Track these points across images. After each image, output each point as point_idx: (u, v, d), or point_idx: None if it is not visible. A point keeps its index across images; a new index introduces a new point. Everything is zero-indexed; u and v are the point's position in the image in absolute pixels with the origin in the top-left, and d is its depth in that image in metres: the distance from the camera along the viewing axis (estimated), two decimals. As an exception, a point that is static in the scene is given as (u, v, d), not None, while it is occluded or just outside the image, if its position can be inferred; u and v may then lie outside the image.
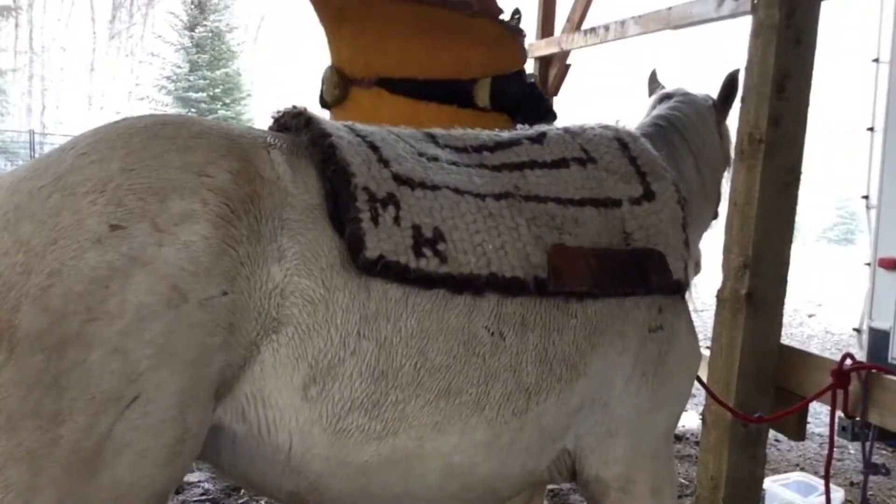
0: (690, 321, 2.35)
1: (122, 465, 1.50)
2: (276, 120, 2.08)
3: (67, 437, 1.45)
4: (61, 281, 1.46)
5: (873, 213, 6.54)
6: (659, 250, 2.21)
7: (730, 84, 3.02)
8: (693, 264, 2.69)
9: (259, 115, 30.39)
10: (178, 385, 1.54)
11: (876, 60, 6.69)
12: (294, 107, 2.06)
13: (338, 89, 3.60)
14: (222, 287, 1.58)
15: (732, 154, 3.19)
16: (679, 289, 2.25)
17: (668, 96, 3.00)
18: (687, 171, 2.69)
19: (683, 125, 2.81)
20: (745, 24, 3.72)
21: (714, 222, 3.24)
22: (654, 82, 3.31)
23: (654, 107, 2.97)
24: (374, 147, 1.95)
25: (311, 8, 3.71)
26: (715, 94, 3.19)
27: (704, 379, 3.22)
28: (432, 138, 2.17)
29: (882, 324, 6.17)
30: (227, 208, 1.62)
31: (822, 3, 3.55)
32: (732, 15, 4.71)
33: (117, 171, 1.57)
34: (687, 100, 2.96)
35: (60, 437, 1.44)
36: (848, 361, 3.12)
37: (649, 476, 2.23)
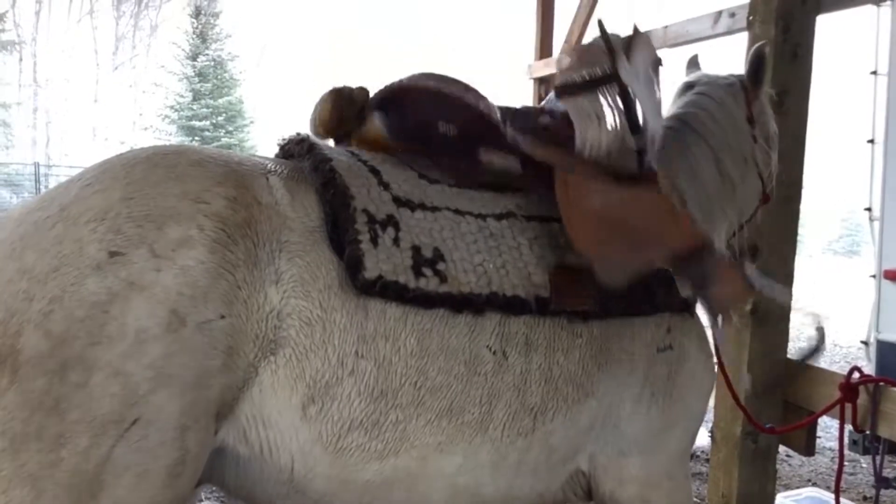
0: (702, 339, 2.33)
1: (122, 487, 1.52)
2: (282, 147, 2.13)
3: (69, 460, 1.47)
4: (62, 306, 1.49)
5: (877, 224, 6.53)
6: (665, 268, 2.20)
7: (757, 61, 2.78)
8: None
9: (262, 141, 30.53)
10: (178, 407, 1.56)
11: (874, 73, 6.70)
12: (297, 134, 2.10)
13: None
14: (220, 311, 1.61)
15: (775, 131, 2.96)
16: (686, 307, 2.24)
17: (689, 86, 2.85)
18: (703, 173, 2.58)
19: (700, 121, 2.65)
20: (742, 40, 3.74)
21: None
22: (692, 66, 3.12)
23: (675, 100, 2.84)
24: (374, 171, 1.97)
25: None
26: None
27: (713, 395, 3.19)
28: None
29: (889, 336, 6.14)
30: (224, 233, 1.65)
31: (818, 17, 3.57)
32: (729, 32, 4.73)
33: (118, 200, 1.61)
34: (707, 89, 2.77)
35: (62, 459, 1.47)
36: (856, 375, 3.11)
37: (665, 495, 2.21)
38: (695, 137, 2.61)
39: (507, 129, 2.21)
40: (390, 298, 1.79)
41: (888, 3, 6.06)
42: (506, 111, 2.30)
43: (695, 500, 4.67)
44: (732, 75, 2.85)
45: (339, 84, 2.23)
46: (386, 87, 2.31)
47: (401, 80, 2.27)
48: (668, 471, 2.24)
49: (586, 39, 6.93)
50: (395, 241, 1.85)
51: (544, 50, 7.46)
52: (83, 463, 1.48)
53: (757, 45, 2.83)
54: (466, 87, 2.23)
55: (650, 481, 2.18)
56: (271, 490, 1.83)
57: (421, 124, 2.18)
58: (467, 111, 2.18)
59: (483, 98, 2.24)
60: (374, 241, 1.82)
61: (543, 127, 2.27)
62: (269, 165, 1.89)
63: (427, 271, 1.85)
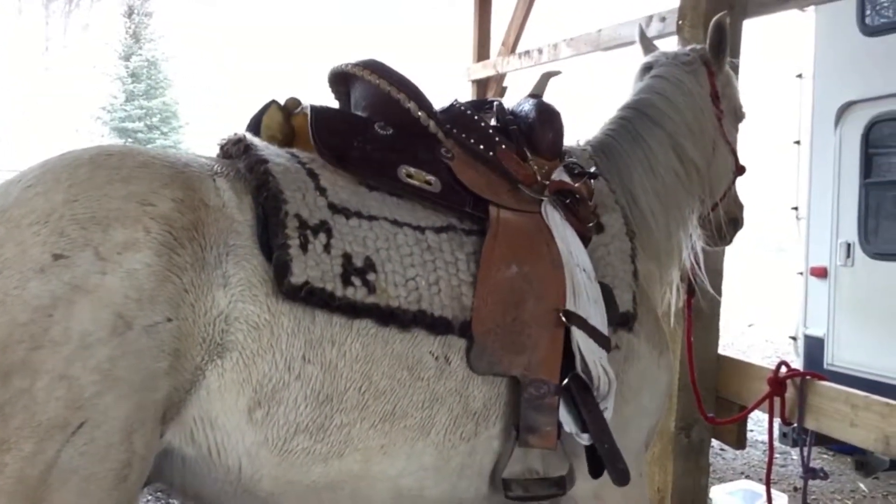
0: (654, 337, 2.32)
1: (69, 491, 1.51)
2: (221, 147, 2.08)
3: (12, 466, 1.46)
4: (5, 311, 1.48)
5: (803, 223, 6.74)
6: (606, 283, 2.19)
7: (718, 31, 2.72)
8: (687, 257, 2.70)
9: (198, 143, 30.01)
10: (124, 410, 1.55)
11: (799, 76, 6.92)
12: (235, 134, 2.07)
13: None
14: (166, 313, 1.60)
15: (742, 103, 2.93)
16: (626, 321, 2.21)
17: (647, 68, 2.81)
18: (660, 164, 2.56)
19: (655, 106, 2.62)
20: (673, 44, 3.83)
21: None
22: (644, 42, 3.06)
23: (633, 85, 2.81)
24: (312, 174, 1.95)
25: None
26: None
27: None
28: None
29: (816, 331, 6.34)
30: (171, 236, 1.63)
31: (745, 22, 3.69)
32: (660, 35, 4.82)
33: (61, 202, 1.59)
34: (663, 71, 2.73)
35: (6, 465, 1.46)
36: (783, 369, 3.21)
37: (619, 494, 2.17)
38: (649, 126, 2.60)
39: (446, 140, 2.19)
40: (316, 305, 1.78)
41: (812, 8, 6.25)
42: (451, 116, 2.28)
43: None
44: (694, 49, 2.82)
45: (276, 97, 2.24)
46: (335, 70, 2.31)
47: (347, 65, 2.25)
48: None
49: (522, 41, 6.96)
50: (326, 247, 1.83)
51: (481, 53, 7.53)
52: (28, 468, 1.47)
53: (717, 15, 2.77)
54: (405, 84, 2.20)
55: (604, 480, 2.09)
56: (219, 490, 1.82)
57: (357, 124, 2.14)
58: (405, 116, 2.16)
59: (422, 99, 2.21)
60: (304, 246, 1.79)
61: (490, 148, 2.25)
62: (216, 167, 1.87)
63: (356, 280, 1.83)
